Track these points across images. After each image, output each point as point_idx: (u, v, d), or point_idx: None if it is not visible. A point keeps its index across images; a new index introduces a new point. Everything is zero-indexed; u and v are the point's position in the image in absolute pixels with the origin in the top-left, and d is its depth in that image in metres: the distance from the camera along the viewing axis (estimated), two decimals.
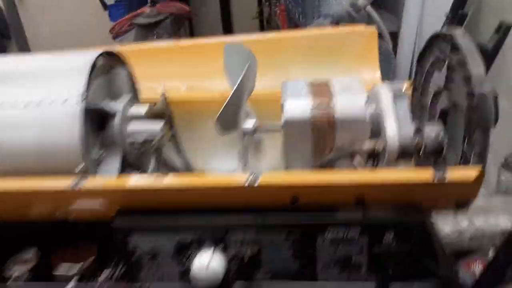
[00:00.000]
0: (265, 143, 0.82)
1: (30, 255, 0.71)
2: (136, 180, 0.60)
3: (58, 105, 0.62)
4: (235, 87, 0.62)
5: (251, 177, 0.58)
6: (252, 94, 0.76)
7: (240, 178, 0.58)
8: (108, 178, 0.65)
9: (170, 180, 0.59)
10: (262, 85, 0.83)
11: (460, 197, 0.60)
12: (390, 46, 1.55)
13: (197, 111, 0.89)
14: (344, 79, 0.70)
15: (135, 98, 0.80)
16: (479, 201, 1.35)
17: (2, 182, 0.62)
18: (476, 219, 1.23)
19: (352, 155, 0.66)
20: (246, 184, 0.56)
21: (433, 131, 0.63)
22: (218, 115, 0.60)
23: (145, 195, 0.60)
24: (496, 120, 0.55)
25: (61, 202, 0.63)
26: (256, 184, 0.57)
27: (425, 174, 0.57)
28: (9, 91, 0.66)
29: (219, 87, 0.90)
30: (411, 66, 1.60)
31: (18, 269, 0.69)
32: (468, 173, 0.56)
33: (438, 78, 0.77)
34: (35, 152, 0.64)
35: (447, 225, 1.21)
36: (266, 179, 0.58)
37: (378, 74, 0.98)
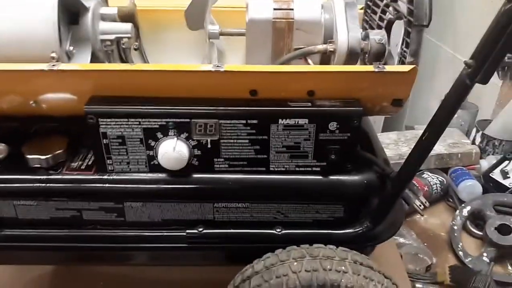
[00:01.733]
0: (227, 55, 0.88)
1: None
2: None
3: None
4: None
5: (216, 65, 0.64)
6: (217, 7, 0.82)
7: (206, 66, 0.65)
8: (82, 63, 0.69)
9: (141, 66, 0.65)
10: (227, 2, 0.90)
11: (396, 92, 0.69)
12: None
13: (164, 20, 0.93)
14: None
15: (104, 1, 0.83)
16: (419, 131, 1.50)
17: None
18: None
19: (305, 58, 0.74)
20: (213, 69, 0.63)
21: (377, 35, 0.71)
22: (186, 9, 0.66)
23: (116, 78, 0.65)
24: (430, 20, 0.64)
25: (36, 86, 0.66)
26: (221, 70, 0.63)
27: (367, 68, 0.65)
28: None
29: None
30: None
31: None
32: (404, 67, 0.65)
33: None
34: (9, 39, 0.67)
35: (390, 150, 1.34)
36: (229, 67, 0.65)
37: None
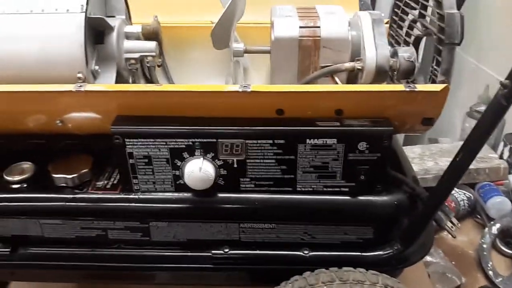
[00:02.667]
0: (251, 72, 0.87)
1: (26, 166, 0.75)
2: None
3: (61, 14, 0.66)
4: (228, 4, 0.67)
5: (243, 86, 0.63)
6: (240, 24, 0.81)
7: (233, 87, 0.64)
8: (108, 84, 0.69)
9: (168, 86, 0.64)
10: (249, 18, 0.89)
11: (427, 111, 0.67)
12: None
13: (186, 37, 0.93)
14: (329, 6, 0.75)
15: (128, 19, 0.84)
16: (444, 145, 1.47)
17: (6, 87, 0.65)
18: (440, 160, 1.34)
19: (332, 76, 0.73)
20: (240, 90, 0.62)
21: (406, 52, 0.70)
22: (212, 28, 0.65)
23: (143, 99, 0.65)
24: (462, 38, 0.62)
25: (63, 106, 0.66)
26: (248, 90, 0.62)
27: (397, 87, 0.64)
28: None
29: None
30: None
31: (15, 178, 0.73)
32: (435, 86, 0.63)
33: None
34: (37, 60, 0.67)
35: (415, 164, 1.31)
36: (256, 87, 0.64)
37: None
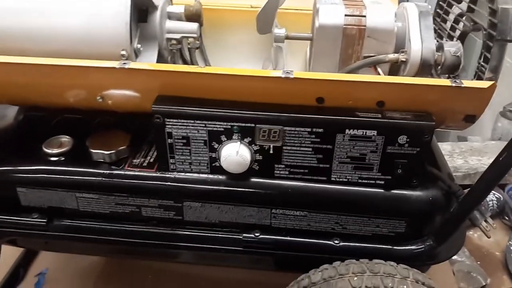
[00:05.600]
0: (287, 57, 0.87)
1: (65, 139, 0.77)
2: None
3: None
4: None
5: (285, 72, 0.63)
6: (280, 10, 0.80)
7: (275, 72, 0.64)
8: (152, 63, 0.69)
9: (211, 69, 0.64)
10: (289, 4, 0.88)
11: (470, 108, 0.66)
12: None
13: (224, 20, 0.93)
14: None
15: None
16: (475, 144, 1.44)
17: (51, 60, 0.66)
18: (470, 159, 1.32)
19: (375, 67, 0.72)
20: (282, 76, 0.62)
21: (453, 47, 0.68)
22: (258, 13, 0.65)
23: (186, 80, 0.65)
24: None
25: (105, 82, 0.67)
26: (291, 77, 0.62)
27: (443, 81, 0.63)
28: None
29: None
30: None
31: (54, 151, 0.75)
32: (482, 83, 0.62)
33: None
34: (82, 36, 0.68)
35: None
36: (299, 74, 0.63)
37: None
